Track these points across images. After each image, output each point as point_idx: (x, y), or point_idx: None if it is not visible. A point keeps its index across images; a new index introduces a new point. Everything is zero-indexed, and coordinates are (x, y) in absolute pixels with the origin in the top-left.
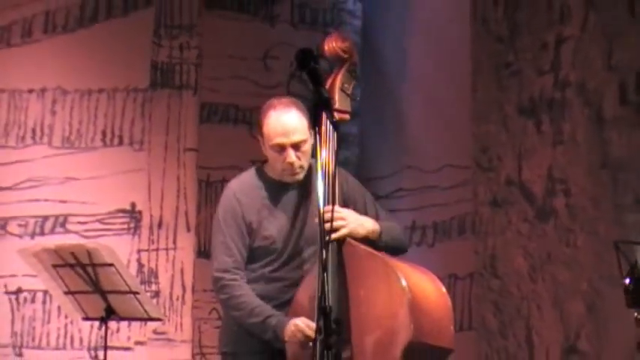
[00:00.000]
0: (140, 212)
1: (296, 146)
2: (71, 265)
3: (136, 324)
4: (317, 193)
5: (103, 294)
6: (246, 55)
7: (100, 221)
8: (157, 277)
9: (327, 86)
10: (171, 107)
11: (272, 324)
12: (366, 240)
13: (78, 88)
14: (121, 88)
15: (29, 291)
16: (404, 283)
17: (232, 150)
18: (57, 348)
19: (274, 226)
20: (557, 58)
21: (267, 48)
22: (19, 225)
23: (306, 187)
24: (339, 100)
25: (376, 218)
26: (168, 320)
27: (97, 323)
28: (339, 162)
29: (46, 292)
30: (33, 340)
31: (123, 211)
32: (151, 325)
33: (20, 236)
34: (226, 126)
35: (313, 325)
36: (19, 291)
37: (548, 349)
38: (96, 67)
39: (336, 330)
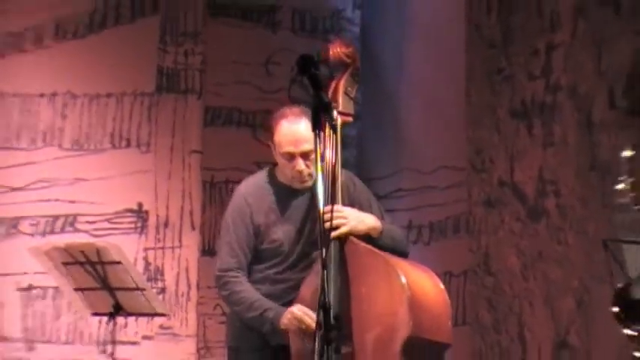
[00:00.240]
0: (147, 212)
1: (305, 155)
2: (81, 263)
3: (142, 319)
4: (317, 192)
5: (112, 291)
6: (248, 60)
7: (108, 220)
8: (163, 274)
9: (331, 90)
10: (177, 111)
11: (269, 316)
12: (368, 238)
13: (87, 92)
14: (128, 93)
15: (40, 288)
16: (404, 280)
17: (235, 152)
18: (67, 343)
19: (282, 229)
20: (548, 63)
21: (269, 54)
22: (31, 224)
23: (314, 193)
24: (342, 103)
25: None
26: (174, 316)
27: (105, 319)
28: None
29: (56, 289)
30: (43, 334)
31: (130, 210)
32: (158, 320)
33: (31, 235)
34: (230, 129)
35: (310, 312)
36: (30, 288)
37: (539, 344)
38: (104, 72)
39: (335, 325)
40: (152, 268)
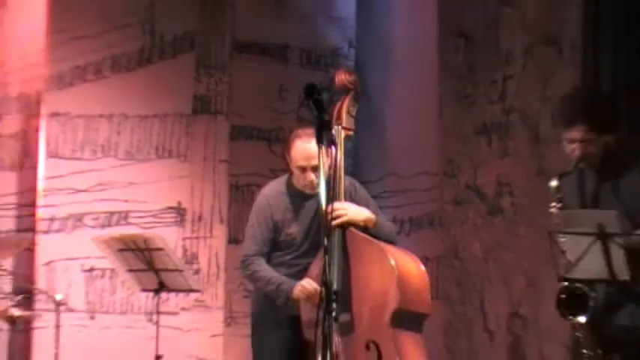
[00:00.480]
0: (184, 209)
1: (314, 168)
2: (132, 250)
3: (181, 294)
4: (320, 193)
5: (156, 272)
6: (265, 88)
7: (154, 216)
8: (197, 258)
9: (337, 109)
10: (208, 128)
11: (284, 288)
12: (364, 229)
13: (137, 113)
14: (170, 114)
15: (100, 269)
16: (393, 263)
17: (255, 161)
18: (121, 313)
19: (296, 225)
20: (504, 91)
21: (282, 83)
22: (93, 219)
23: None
24: (346, 120)
25: None
26: (206, 291)
27: (151, 294)
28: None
29: (112, 270)
30: (102, 306)
31: (171, 208)
32: (193, 295)
33: (93, 227)
34: (250, 143)
35: (317, 285)
36: (92, 269)
37: (497, 315)
38: (150, 97)
39: (335, 299)
40: (189, 253)
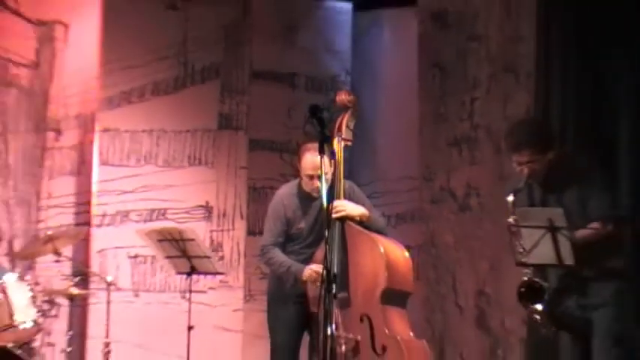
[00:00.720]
0: (211, 207)
1: (320, 176)
2: (169, 240)
3: (209, 276)
4: (322, 194)
5: (189, 258)
6: (277, 108)
7: (186, 212)
8: (222, 247)
9: (338, 123)
10: (231, 141)
11: (293, 271)
12: (360, 222)
13: (173, 129)
14: (199, 129)
15: (143, 256)
16: (382, 250)
17: (269, 168)
18: (160, 291)
19: (304, 221)
20: (472, 111)
21: (291, 104)
22: (137, 215)
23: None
24: (345, 132)
25: None
26: (229, 274)
27: (184, 276)
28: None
29: (153, 257)
30: (145, 286)
31: (201, 206)
32: (218, 277)
33: (137, 222)
34: (265, 153)
35: (320, 268)
36: (136, 256)
37: (466, 292)
38: (184, 116)
39: (334, 280)
40: (215, 243)
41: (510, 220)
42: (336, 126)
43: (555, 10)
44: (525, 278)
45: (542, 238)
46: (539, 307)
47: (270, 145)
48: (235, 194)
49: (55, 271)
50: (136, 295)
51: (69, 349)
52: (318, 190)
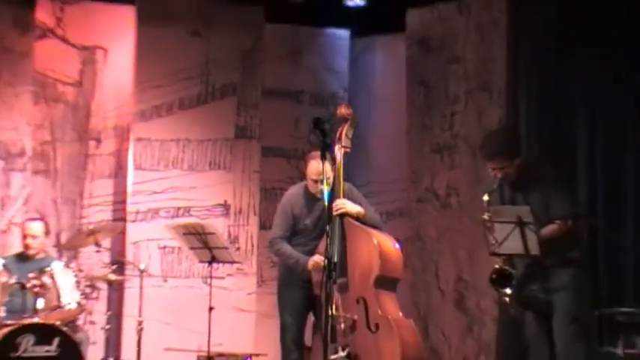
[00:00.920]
0: (229, 205)
1: (322, 181)
2: (193, 234)
3: (227, 265)
4: (323, 192)
5: (210, 249)
6: (285, 121)
7: (207, 210)
8: (238, 240)
9: (339, 133)
10: (245, 149)
11: (300, 262)
12: (357, 218)
13: (196, 138)
14: (219, 138)
15: (170, 247)
16: (376, 242)
17: (278, 172)
18: (185, 277)
19: (309, 218)
20: (452, 122)
21: (297, 117)
22: (165, 212)
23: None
24: (344, 141)
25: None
26: (244, 262)
27: (206, 264)
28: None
29: (179, 248)
30: (172, 272)
31: (220, 204)
32: (235, 265)
33: (166, 218)
34: (275, 158)
35: (323, 258)
36: (165, 247)
37: (447, 278)
38: (205, 127)
39: (334, 268)
40: (232, 236)
41: (485, 216)
42: (337, 135)
43: (522, 36)
44: (497, 266)
45: (512, 231)
46: (508, 290)
47: (280, 152)
48: (249, 194)
49: (95, 260)
50: (165, 281)
51: (108, 327)
52: (322, 192)
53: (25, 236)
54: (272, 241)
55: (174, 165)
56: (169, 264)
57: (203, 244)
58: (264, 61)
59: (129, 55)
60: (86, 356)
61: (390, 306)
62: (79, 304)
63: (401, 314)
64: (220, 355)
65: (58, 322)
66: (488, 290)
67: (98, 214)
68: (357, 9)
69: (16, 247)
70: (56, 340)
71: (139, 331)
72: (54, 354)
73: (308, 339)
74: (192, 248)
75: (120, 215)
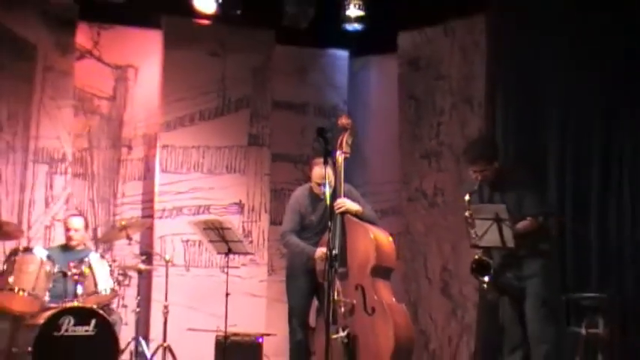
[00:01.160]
0: (244, 204)
1: (324, 183)
2: (212, 229)
3: (241, 256)
4: (325, 193)
5: (226, 242)
6: (292, 130)
7: (225, 208)
8: (251, 234)
9: (339, 140)
10: (257, 155)
11: (306, 251)
12: (356, 215)
13: (215, 145)
14: (235, 145)
15: (192, 240)
16: (372, 236)
17: (286, 175)
18: (205, 267)
19: (314, 215)
20: (438, 131)
21: (303, 126)
22: (188, 210)
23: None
24: (344, 147)
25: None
26: (257, 254)
27: (223, 255)
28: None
29: (200, 241)
30: (194, 263)
31: (235, 203)
32: (249, 256)
33: (188, 215)
34: (283, 163)
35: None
36: (187, 240)
37: (433, 268)
38: (222, 135)
39: (335, 259)
40: (246, 231)
41: (467, 213)
42: (338, 143)
43: (500, 57)
44: (477, 257)
45: (490, 227)
46: (486, 278)
47: (287, 158)
48: (261, 194)
49: (127, 251)
50: (187, 270)
51: (138, 309)
52: (324, 193)
53: (67, 230)
54: (283, 234)
55: (195, 169)
56: (191, 255)
57: (221, 237)
58: (273, 77)
59: (156, 73)
60: (119, 335)
61: (384, 292)
62: (112, 289)
63: (394, 299)
64: (236, 334)
65: (94, 306)
66: (470, 279)
67: (129, 211)
68: (354, 32)
69: (59, 240)
70: (93, 321)
71: (165, 314)
72: (91, 333)
73: (312, 321)
74: (211, 241)
75: (148, 212)
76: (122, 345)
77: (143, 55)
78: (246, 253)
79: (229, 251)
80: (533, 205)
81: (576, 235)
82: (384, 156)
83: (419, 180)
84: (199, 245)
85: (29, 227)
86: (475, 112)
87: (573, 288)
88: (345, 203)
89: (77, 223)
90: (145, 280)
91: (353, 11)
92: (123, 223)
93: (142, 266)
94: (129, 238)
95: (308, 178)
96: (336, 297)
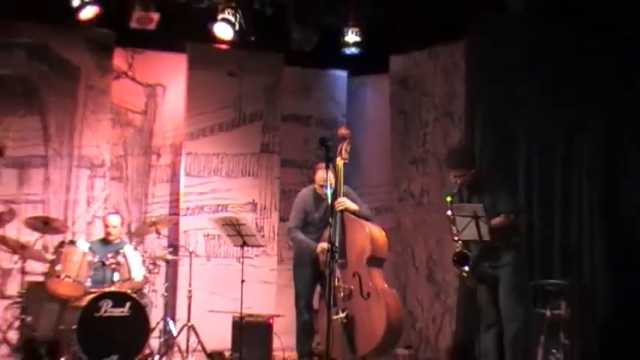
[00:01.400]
0: (256, 203)
1: (326, 186)
2: (229, 224)
3: (255, 248)
4: (327, 194)
5: (242, 236)
6: (298, 140)
7: (240, 207)
8: (263, 229)
9: (339, 148)
10: (269, 161)
11: (310, 246)
12: (354, 213)
13: (232, 152)
14: (249, 153)
15: (212, 235)
16: (367, 231)
17: (293, 178)
18: (224, 257)
19: (317, 213)
20: (424, 141)
21: (307, 136)
22: (208, 208)
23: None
24: (343, 154)
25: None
26: (268, 246)
27: (239, 248)
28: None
29: (219, 235)
30: (214, 253)
31: (249, 203)
32: (261, 248)
33: (209, 212)
34: (291, 169)
35: (327, 244)
36: (208, 235)
37: (420, 259)
38: (239, 144)
39: (335, 250)
40: (259, 226)
41: (448, 212)
42: (338, 150)
43: (477, 77)
44: (457, 249)
45: (469, 223)
46: (466, 268)
47: (294, 163)
48: (271, 195)
49: (156, 244)
50: (208, 260)
51: (166, 294)
52: (326, 194)
53: (106, 226)
54: (289, 230)
55: (215, 173)
56: (212, 247)
57: (237, 232)
58: (282, 94)
59: (182, 90)
60: (150, 316)
61: (378, 279)
62: (144, 277)
63: (386, 285)
64: (250, 315)
65: (129, 291)
66: (452, 267)
67: (158, 209)
68: (352, 56)
69: (98, 234)
70: (128, 304)
71: (189, 298)
72: (126, 314)
73: (316, 304)
74: (228, 235)
75: (174, 211)
76: (152, 324)
77: (170, 76)
78: (258, 246)
79: (244, 244)
80: (505, 204)
81: (542, 230)
82: (377, 162)
83: (407, 183)
84: (218, 239)
85: (73, 223)
86: (456, 125)
87: (539, 275)
88: (344, 202)
89: (114, 220)
90: (172, 268)
91: (351, 37)
92: (153, 219)
93: (169, 257)
94: (158, 232)
95: (312, 181)
96: (336, 283)
